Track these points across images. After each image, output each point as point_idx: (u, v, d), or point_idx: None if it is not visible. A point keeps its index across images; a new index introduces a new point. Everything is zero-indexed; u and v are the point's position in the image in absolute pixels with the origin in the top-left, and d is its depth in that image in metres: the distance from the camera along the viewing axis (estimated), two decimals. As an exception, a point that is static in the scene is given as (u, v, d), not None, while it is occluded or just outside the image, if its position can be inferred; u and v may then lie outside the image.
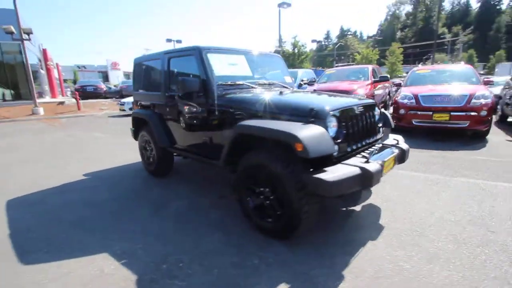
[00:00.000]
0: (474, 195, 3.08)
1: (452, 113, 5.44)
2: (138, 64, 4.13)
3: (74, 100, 16.17)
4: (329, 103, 2.27)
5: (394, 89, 8.27)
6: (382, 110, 3.03)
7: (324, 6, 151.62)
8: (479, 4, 62.51)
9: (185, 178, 4.06)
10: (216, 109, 2.75)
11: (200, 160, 3.18)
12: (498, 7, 60.39)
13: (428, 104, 5.70)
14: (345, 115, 2.30)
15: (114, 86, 24.79)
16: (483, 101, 5.36)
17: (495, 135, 6.05)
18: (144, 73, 4.00)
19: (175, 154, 3.86)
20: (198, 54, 2.93)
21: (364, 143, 2.50)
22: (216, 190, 3.46)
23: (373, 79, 7.79)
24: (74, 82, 33.26)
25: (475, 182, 3.45)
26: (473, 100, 5.39)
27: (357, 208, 2.87)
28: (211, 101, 2.79)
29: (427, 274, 1.87)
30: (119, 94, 20.00)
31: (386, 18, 74.88)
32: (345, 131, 2.26)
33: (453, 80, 6.59)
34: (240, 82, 3.03)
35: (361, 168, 2.00)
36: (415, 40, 63.62)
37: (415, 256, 2.06)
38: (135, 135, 4.36)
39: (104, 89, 21.65)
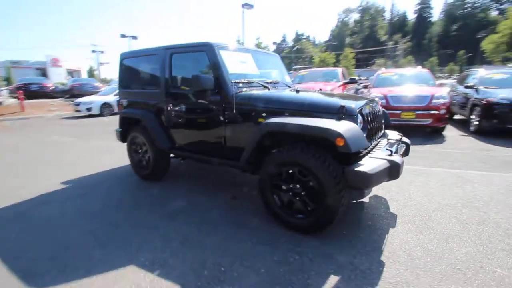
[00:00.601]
0: (455, 182, 3.51)
1: (417, 112, 6.11)
2: (126, 59, 3.83)
3: (14, 100, 14.21)
4: (353, 101, 2.40)
5: (363, 90, 8.93)
6: (383, 108, 3.28)
7: (281, 11, 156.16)
8: (415, 16, 70.56)
9: (180, 179, 3.88)
10: (234, 107, 2.69)
11: (210, 161, 3.08)
12: (429, 19, 68.97)
13: (397, 104, 6.30)
14: (364, 113, 2.45)
15: (63, 84, 22.31)
16: (442, 101, 6.11)
17: (449, 131, 6.92)
18: (136, 69, 3.72)
19: (173, 156, 3.67)
20: (210, 50, 2.84)
21: (376, 138, 2.70)
22: (219, 190, 3.39)
23: (343, 81, 8.31)
24: (7, 80, 29.00)
25: (451, 171, 3.93)
26: (434, 100, 6.11)
27: (366, 199, 3.07)
28: (227, 99, 2.73)
29: (450, 252, 2.09)
30: (69, 93, 18.07)
31: (337, 25, 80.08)
32: (366, 127, 2.41)
33: (413, 82, 7.37)
34: (252, 80, 3.01)
35: (389, 161, 2.16)
36: (362, 46, 69.16)
37: (434, 238, 2.29)
38: (123, 137, 4.03)
39: (51, 87, 19.37)
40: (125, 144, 3.94)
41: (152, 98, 3.47)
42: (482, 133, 6.19)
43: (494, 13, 62.98)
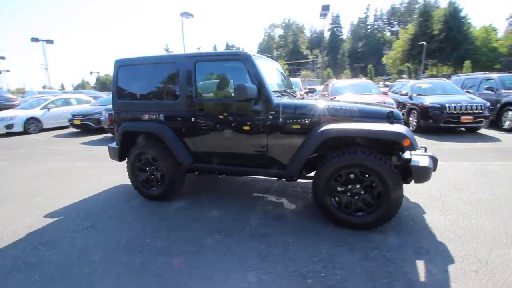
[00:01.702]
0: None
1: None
2: (123, 67, 3.40)
3: None
4: (389, 107, 2.74)
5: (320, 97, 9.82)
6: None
7: (212, 22, 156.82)
8: (329, 33, 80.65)
9: (193, 195, 3.62)
10: (280, 116, 2.72)
11: (246, 173, 3.00)
12: (341, 37, 79.89)
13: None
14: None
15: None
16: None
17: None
18: (140, 78, 3.34)
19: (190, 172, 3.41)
20: (249, 60, 2.81)
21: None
22: (247, 201, 3.31)
23: (304, 90, 8.99)
24: None
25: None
26: (385, 106, 7.20)
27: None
28: (270, 108, 2.74)
29: (478, 226, 2.57)
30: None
31: (264, 38, 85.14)
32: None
33: (362, 91, 8.50)
34: (282, 89, 3.09)
35: (431, 156, 2.54)
36: (288, 58, 75.21)
37: (459, 218, 2.76)
38: (121, 155, 3.55)
39: None
40: (90, 163, 3.47)
41: (169, 110, 3.17)
42: (421, 132, 7.55)
43: (388, 34, 77.31)
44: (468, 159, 4.84)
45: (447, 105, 6.89)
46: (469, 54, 43.62)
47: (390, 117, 2.52)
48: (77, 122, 9.25)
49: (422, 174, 2.31)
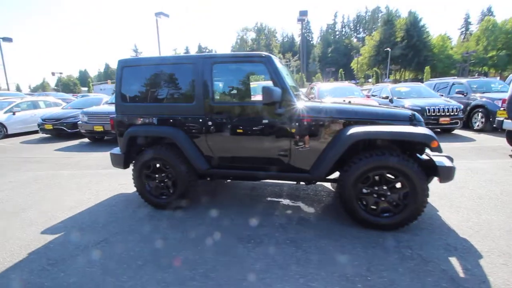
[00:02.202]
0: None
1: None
2: (128, 67, 3.18)
3: None
4: (408, 110, 2.84)
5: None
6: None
7: (185, 23, 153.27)
8: (300, 38, 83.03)
9: (195, 201, 3.47)
10: (303, 119, 2.70)
11: (267, 177, 2.93)
12: (311, 42, 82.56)
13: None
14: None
15: None
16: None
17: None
18: (148, 79, 3.14)
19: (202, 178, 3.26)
20: (270, 62, 2.76)
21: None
22: (262, 205, 3.25)
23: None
24: None
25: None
26: (371, 108, 7.54)
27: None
28: (292, 111, 2.72)
29: (491, 221, 2.75)
30: None
31: (236, 42, 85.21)
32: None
33: (347, 94, 8.81)
34: (300, 92, 3.09)
35: (448, 157, 2.68)
36: (261, 61, 76.21)
37: (470, 214, 2.93)
38: (126, 162, 3.31)
39: None
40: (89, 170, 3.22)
41: (183, 113, 3.01)
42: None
43: (354, 40, 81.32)
44: (454, 159, 5.19)
45: (426, 107, 7.37)
46: (428, 60, 47.36)
47: (412, 120, 2.62)
48: (48, 126, 8.51)
49: (448, 174, 2.42)
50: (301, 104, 2.77)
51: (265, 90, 2.57)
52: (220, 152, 3.01)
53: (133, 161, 3.29)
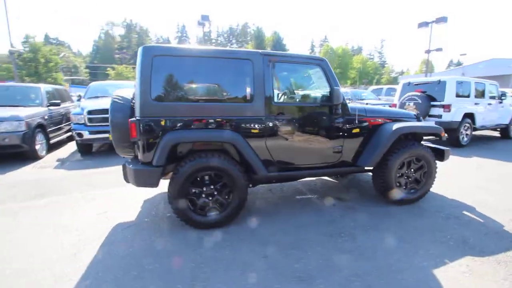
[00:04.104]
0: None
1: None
2: (166, 58, 2.56)
3: None
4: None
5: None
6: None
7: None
8: (176, 41, 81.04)
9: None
10: (356, 118, 3.06)
11: (323, 174, 3.09)
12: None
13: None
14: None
15: None
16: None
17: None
18: (192, 74, 2.61)
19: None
20: (326, 65, 2.94)
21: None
22: (299, 204, 3.39)
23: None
24: None
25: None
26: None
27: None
28: (347, 111, 3.04)
29: (485, 201, 3.85)
30: None
31: (100, 36, 73.48)
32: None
33: None
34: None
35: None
36: (134, 61, 69.11)
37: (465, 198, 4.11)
38: (160, 177, 2.62)
39: None
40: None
41: (240, 114, 2.70)
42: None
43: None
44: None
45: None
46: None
47: (418, 118, 3.48)
48: None
49: (448, 155, 3.38)
50: (352, 105, 3.11)
51: (336, 92, 2.76)
52: (279, 154, 2.91)
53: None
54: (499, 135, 8.37)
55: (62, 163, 5.74)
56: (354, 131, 3.11)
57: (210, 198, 2.73)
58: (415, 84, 7.31)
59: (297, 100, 3.09)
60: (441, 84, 6.72)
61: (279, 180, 3.18)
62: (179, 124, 2.58)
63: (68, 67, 43.49)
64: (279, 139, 2.86)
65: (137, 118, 2.52)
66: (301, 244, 2.50)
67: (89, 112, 6.07)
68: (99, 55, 64.66)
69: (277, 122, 2.81)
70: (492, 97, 7.29)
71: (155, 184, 2.60)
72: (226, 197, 2.76)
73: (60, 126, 7.35)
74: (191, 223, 2.70)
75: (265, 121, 2.77)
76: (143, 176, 2.58)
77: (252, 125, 2.75)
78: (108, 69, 33.02)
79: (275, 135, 2.84)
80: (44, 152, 6.37)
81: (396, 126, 3.12)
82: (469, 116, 6.75)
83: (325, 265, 2.18)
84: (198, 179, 2.67)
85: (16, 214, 3.24)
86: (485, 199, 3.49)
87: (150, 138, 2.54)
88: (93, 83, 8.24)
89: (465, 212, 3.14)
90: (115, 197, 3.72)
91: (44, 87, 7.28)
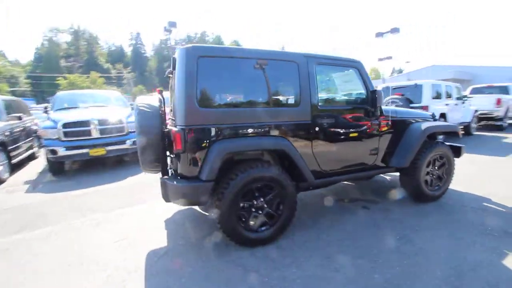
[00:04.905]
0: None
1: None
2: (212, 60, 2.31)
3: None
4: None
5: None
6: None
7: None
8: (131, 48, 76.92)
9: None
10: (389, 119, 3.09)
11: (361, 177, 3.05)
12: (145, 55, 78.64)
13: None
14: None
15: None
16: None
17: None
18: (243, 78, 2.40)
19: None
20: (362, 68, 2.94)
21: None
22: (352, 210, 3.32)
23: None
24: None
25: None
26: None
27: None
28: (382, 113, 3.06)
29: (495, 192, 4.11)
30: None
31: (43, 43, 66.54)
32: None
33: None
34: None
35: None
36: (83, 70, 63.85)
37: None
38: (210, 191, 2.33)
39: None
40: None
41: (286, 119, 2.53)
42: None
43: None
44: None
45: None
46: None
47: (434, 118, 3.66)
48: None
49: (463, 152, 3.58)
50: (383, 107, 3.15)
51: (379, 95, 2.75)
52: (324, 160, 2.79)
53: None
54: (462, 132, 9.36)
55: (34, 186, 4.91)
56: (388, 132, 3.14)
57: (260, 212, 2.49)
58: (393, 88, 7.80)
59: (338, 103, 3.04)
60: (417, 88, 7.28)
61: (319, 187, 3.06)
62: (227, 132, 2.32)
63: (6, 77, 38.28)
64: (323, 144, 2.75)
65: (182, 127, 2.21)
66: (363, 252, 2.39)
67: (65, 125, 5.32)
68: (42, 64, 58.66)
69: (321, 127, 2.71)
70: (458, 98, 8.12)
71: (205, 201, 2.29)
72: (276, 209, 2.55)
73: (21, 143, 6.33)
74: (242, 241, 2.43)
75: (311, 125, 2.65)
76: (193, 193, 2.25)
77: (299, 130, 2.61)
78: (59, 78, 29.71)
79: (320, 140, 2.72)
80: (6, 175, 5.41)
81: (424, 126, 3.23)
82: (443, 116, 7.41)
83: (404, 272, 2.09)
84: (247, 192, 2.42)
85: (6, 251, 2.62)
86: (494, 191, 3.77)
87: (197, 149, 2.24)
88: (60, 93, 7.30)
89: (486, 204, 3.35)
90: (125, 220, 3.25)
91: (1, 98, 6.22)
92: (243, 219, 2.44)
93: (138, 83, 66.28)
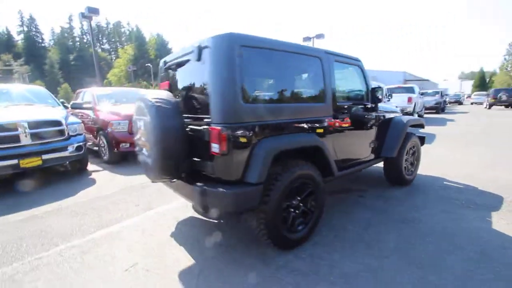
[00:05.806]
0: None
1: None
2: (255, 51, 2.11)
3: None
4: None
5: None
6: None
7: None
8: (21, 36, 62.98)
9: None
10: (383, 114, 3.42)
11: (364, 168, 3.27)
12: (43, 45, 65.52)
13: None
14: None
15: None
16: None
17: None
18: (279, 71, 2.25)
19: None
20: (362, 66, 3.14)
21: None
22: (362, 202, 3.51)
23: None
24: None
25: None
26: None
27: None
28: (378, 108, 3.36)
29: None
30: None
31: None
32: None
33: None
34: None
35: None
36: (-51, 60, 49.25)
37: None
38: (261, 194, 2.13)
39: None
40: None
41: (313, 115, 2.52)
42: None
43: (99, 50, 74.92)
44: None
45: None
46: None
47: (402, 111, 4.21)
48: None
49: (425, 141, 4.23)
50: None
51: (382, 91, 3.01)
52: (340, 153, 2.89)
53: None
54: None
55: None
56: (381, 125, 3.47)
57: (297, 211, 2.41)
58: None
59: (349, 99, 3.15)
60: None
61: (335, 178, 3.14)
62: (271, 130, 2.16)
63: None
64: (341, 138, 2.86)
65: (225, 125, 1.94)
66: (388, 245, 2.43)
67: (-18, 131, 4.02)
68: None
69: (337, 123, 2.79)
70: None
71: (256, 205, 2.06)
72: (310, 206, 2.51)
73: None
74: (283, 244, 2.32)
75: (331, 122, 2.70)
76: (246, 199, 1.99)
77: (323, 125, 2.62)
78: None
79: (338, 134, 2.81)
80: None
81: (405, 119, 3.69)
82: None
83: (438, 260, 2.20)
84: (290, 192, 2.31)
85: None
86: (443, 171, 4.59)
87: (243, 149, 2.00)
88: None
89: (446, 183, 4.04)
90: (117, 241, 2.67)
91: None
92: (284, 220, 2.31)
93: (35, 78, 54.90)
